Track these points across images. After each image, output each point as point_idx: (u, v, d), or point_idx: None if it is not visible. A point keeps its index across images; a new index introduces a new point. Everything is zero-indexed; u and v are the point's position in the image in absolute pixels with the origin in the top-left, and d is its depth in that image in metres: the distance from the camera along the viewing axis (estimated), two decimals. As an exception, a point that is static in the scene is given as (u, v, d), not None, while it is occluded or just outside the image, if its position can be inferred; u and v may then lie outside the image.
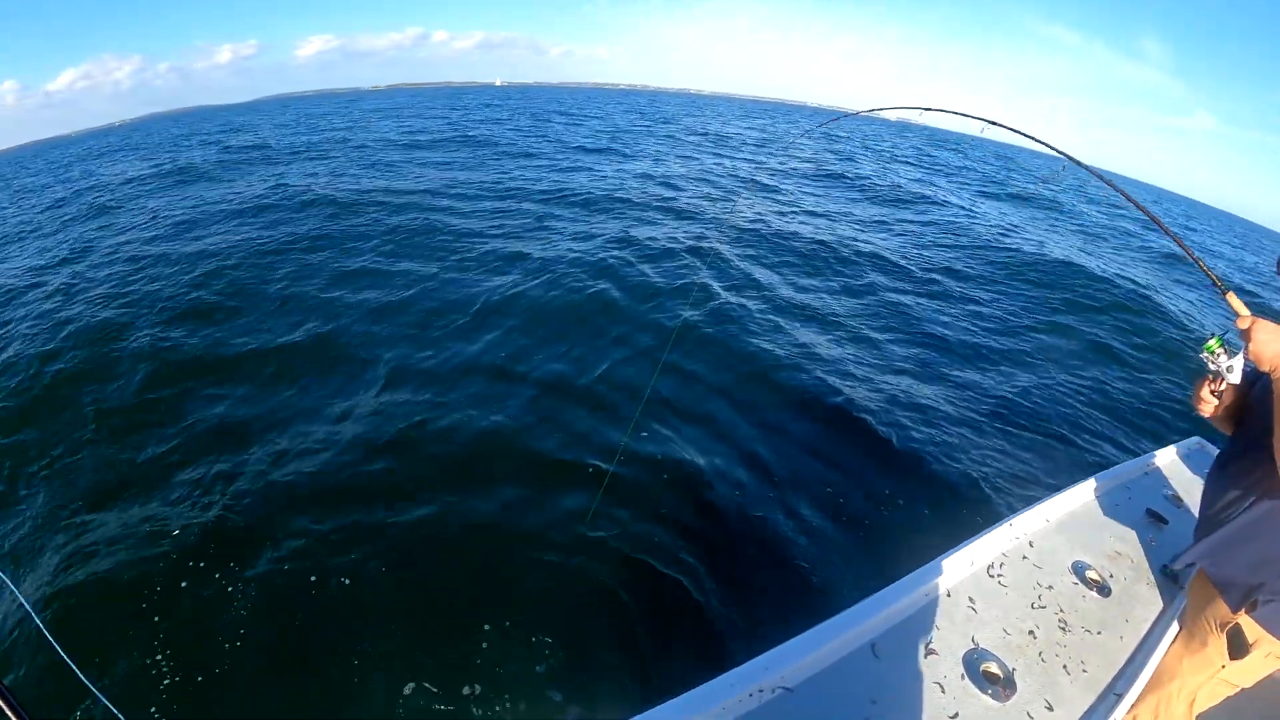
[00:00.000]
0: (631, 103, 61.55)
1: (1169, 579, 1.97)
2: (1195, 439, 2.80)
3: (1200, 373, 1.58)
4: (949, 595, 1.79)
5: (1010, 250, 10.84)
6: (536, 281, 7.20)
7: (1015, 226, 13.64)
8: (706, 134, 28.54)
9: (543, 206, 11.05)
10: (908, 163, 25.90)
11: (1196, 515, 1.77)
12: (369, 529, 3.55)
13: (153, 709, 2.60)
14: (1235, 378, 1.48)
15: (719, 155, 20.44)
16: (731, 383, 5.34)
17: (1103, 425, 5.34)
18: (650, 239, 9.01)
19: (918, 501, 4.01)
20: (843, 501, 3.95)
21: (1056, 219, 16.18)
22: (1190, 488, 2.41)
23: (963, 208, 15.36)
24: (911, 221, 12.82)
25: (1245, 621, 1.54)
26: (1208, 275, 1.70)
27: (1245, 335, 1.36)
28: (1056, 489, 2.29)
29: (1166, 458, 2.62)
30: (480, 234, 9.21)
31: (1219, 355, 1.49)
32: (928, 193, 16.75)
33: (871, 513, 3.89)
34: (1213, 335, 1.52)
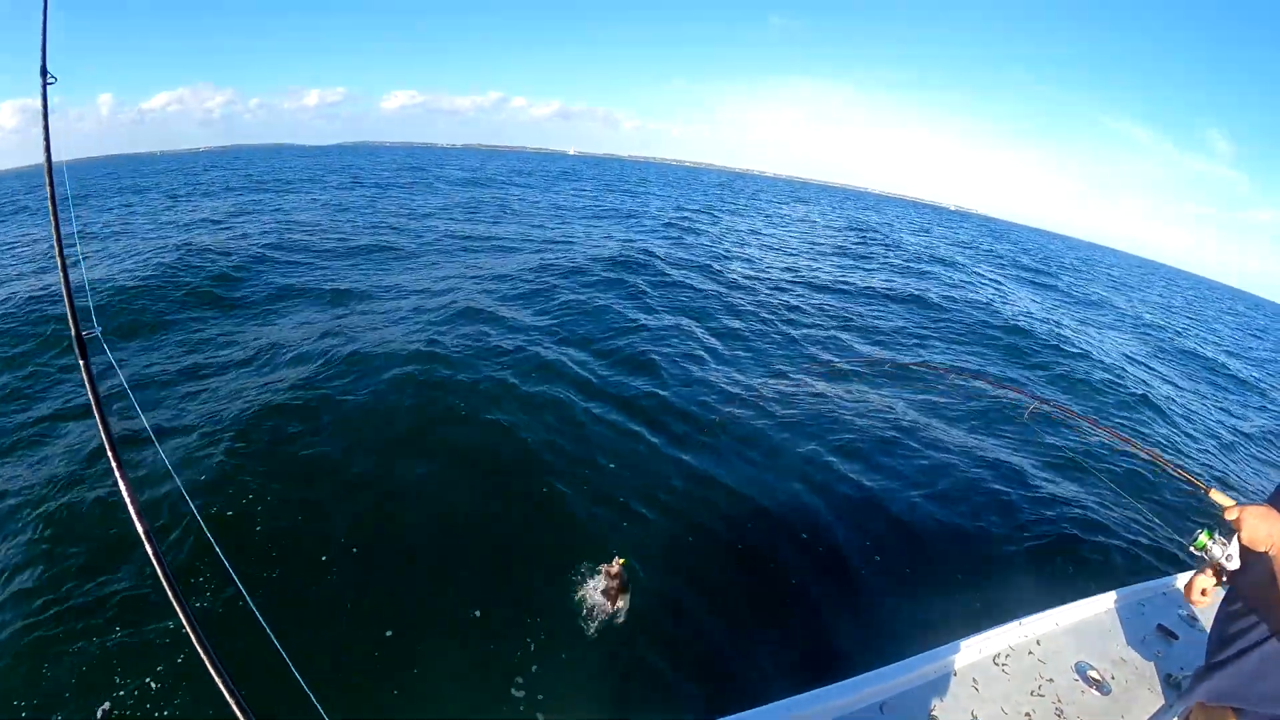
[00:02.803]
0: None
1: (1172, 687, 2.04)
2: None
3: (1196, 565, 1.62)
4: (955, 674, 1.94)
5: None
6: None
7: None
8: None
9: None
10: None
11: (1208, 635, 1.75)
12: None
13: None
14: (1235, 563, 1.53)
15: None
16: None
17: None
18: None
19: (935, 589, 4.18)
20: (864, 572, 4.21)
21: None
22: (1208, 611, 2.31)
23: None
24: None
25: None
26: (1187, 479, 1.83)
27: (1236, 524, 1.41)
28: (1071, 599, 2.39)
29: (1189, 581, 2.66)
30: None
31: (1213, 547, 1.53)
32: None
33: (889, 590, 4.10)
34: (1200, 530, 1.56)
